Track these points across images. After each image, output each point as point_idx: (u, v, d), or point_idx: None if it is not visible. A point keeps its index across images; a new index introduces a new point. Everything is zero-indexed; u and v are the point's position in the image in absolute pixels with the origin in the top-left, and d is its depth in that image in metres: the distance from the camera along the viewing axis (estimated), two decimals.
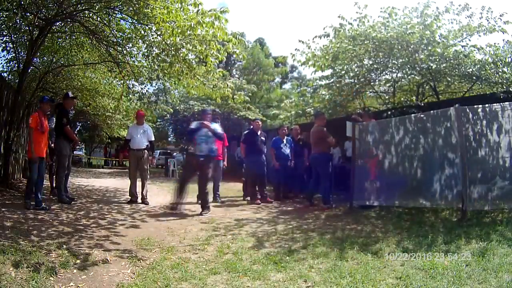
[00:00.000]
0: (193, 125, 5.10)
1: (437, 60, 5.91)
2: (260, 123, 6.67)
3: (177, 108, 16.29)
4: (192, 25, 4.81)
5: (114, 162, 22.47)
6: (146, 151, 5.73)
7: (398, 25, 6.48)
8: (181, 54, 5.69)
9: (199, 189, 5.18)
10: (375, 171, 5.01)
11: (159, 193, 7.40)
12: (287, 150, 6.46)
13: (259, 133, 6.32)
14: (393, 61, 6.90)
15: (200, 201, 5.14)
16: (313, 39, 7.12)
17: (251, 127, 6.63)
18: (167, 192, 7.84)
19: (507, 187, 3.93)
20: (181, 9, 4.65)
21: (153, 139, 5.93)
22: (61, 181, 5.12)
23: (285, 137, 6.61)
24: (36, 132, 4.45)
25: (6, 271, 2.28)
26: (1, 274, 2.23)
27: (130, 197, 5.71)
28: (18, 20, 5.66)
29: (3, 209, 4.04)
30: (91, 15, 6.04)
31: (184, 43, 5.44)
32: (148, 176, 5.90)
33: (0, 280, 2.16)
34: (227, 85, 6.95)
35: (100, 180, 10.33)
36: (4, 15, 5.19)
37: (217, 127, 5.15)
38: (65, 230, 3.42)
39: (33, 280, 2.21)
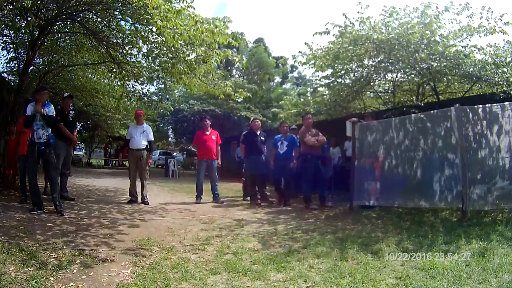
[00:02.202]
0: (29, 109, 4.30)
1: (438, 59, 5.90)
2: (259, 122, 6.60)
3: (177, 107, 16.30)
4: (192, 31, 4.85)
5: (114, 162, 22.47)
6: (145, 151, 5.69)
7: (399, 24, 6.47)
8: (182, 55, 5.71)
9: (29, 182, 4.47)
10: (380, 172, 5.01)
11: (159, 193, 7.41)
12: (283, 149, 5.99)
13: (258, 133, 6.30)
14: (394, 61, 6.88)
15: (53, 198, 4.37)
16: (313, 35, 7.08)
17: (250, 127, 6.58)
18: (167, 192, 7.86)
19: (507, 187, 3.93)
20: (180, 18, 4.67)
21: (152, 139, 5.88)
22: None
23: (288, 134, 6.13)
24: (21, 133, 4.80)
25: (6, 271, 2.28)
26: (1, 274, 2.23)
27: (130, 197, 5.71)
28: (19, 21, 5.68)
29: (4, 209, 4.05)
30: (91, 16, 6.05)
31: (185, 45, 5.47)
32: (148, 176, 5.87)
33: (0, 280, 2.16)
34: (226, 83, 7.00)
35: (100, 180, 10.33)
36: (6, 16, 5.20)
37: (50, 109, 4.37)
38: (66, 230, 3.42)
39: (33, 280, 2.21)
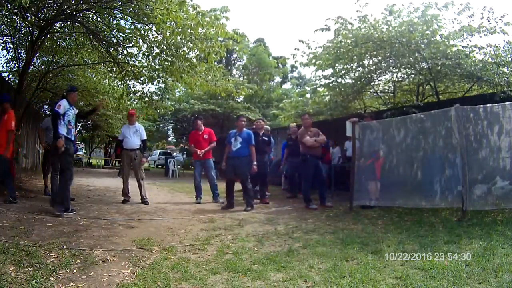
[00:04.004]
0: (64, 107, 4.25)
1: (439, 57, 5.89)
2: (262, 123, 6.55)
3: (177, 107, 16.31)
4: (193, 25, 4.85)
5: (114, 162, 22.48)
6: (139, 150, 5.71)
7: (400, 23, 6.47)
8: (182, 53, 5.72)
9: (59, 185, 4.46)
10: (380, 172, 5.00)
11: (159, 193, 7.41)
12: (236, 146, 5.37)
13: (261, 133, 6.28)
14: (394, 61, 6.88)
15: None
16: (314, 32, 7.16)
17: (253, 127, 6.53)
18: (167, 192, 7.86)
19: (507, 187, 3.93)
20: (181, 10, 4.67)
21: (145, 138, 5.90)
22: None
23: (244, 130, 5.49)
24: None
25: (6, 271, 2.28)
26: (1, 274, 2.23)
27: (123, 197, 5.69)
28: (18, 21, 5.67)
29: (4, 209, 4.05)
30: (91, 15, 6.05)
31: (185, 42, 5.48)
32: (144, 176, 5.87)
33: (0, 280, 2.16)
34: (228, 79, 7.02)
35: (100, 180, 10.33)
36: (5, 16, 5.20)
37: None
38: (65, 230, 3.42)
39: (33, 280, 2.21)
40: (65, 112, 4.23)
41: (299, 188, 6.57)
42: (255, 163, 5.37)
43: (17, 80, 7.05)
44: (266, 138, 6.31)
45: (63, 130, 4.19)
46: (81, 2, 5.56)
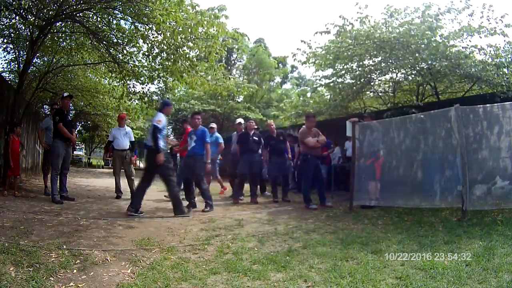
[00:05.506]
0: (163, 122, 4.63)
1: (438, 59, 5.89)
2: (253, 124, 6.46)
3: (177, 107, 16.32)
4: (193, 25, 4.86)
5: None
6: (129, 151, 6.14)
7: (399, 24, 6.47)
8: (183, 52, 5.75)
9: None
10: (380, 172, 5.00)
11: (159, 193, 7.39)
12: (191, 145, 5.21)
13: (251, 133, 6.21)
14: (394, 61, 6.88)
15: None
16: (314, 35, 7.15)
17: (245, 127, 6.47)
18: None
19: (507, 187, 3.93)
20: (180, 10, 4.68)
21: (133, 139, 6.38)
22: (54, 181, 5.11)
23: (200, 127, 5.26)
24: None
25: (6, 271, 2.28)
26: (1, 274, 2.23)
27: (116, 194, 6.11)
28: (18, 21, 5.68)
29: (4, 209, 4.05)
30: (91, 15, 6.06)
31: (185, 41, 5.51)
32: (134, 173, 6.20)
33: (0, 280, 2.16)
34: (229, 78, 7.06)
35: (100, 180, 10.32)
36: (5, 16, 5.21)
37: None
38: (65, 230, 3.42)
39: (33, 280, 2.21)
40: (163, 126, 4.58)
41: (284, 188, 6.41)
42: (208, 161, 5.12)
43: (17, 80, 7.06)
44: (257, 138, 6.25)
45: (162, 144, 4.51)
46: (81, 2, 5.57)
